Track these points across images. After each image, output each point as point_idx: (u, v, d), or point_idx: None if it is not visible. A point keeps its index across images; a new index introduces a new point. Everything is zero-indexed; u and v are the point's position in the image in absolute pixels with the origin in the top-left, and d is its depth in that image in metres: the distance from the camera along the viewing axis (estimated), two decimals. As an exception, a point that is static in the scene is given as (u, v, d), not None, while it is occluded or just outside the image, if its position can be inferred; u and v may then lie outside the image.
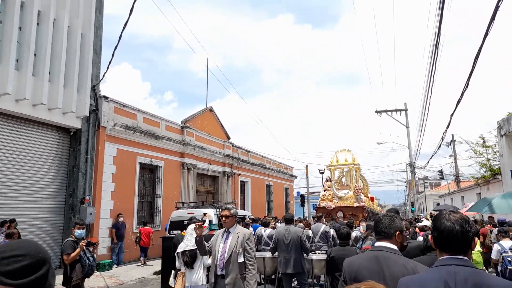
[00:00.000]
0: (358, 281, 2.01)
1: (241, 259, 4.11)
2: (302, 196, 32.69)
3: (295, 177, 35.63)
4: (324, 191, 16.55)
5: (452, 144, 32.11)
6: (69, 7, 11.55)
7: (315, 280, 8.14)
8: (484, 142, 14.24)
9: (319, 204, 15.98)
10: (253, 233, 10.62)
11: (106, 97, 12.81)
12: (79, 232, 6.00)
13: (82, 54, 11.87)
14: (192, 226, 5.50)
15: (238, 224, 4.46)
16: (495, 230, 8.61)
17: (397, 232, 2.31)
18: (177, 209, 12.54)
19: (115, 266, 12.47)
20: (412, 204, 36.83)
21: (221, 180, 20.83)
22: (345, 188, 16.43)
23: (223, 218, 4.30)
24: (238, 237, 4.20)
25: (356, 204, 14.99)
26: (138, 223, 14.02)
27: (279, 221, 13.13)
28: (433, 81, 10.26)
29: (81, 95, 11.72)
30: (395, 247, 2.28)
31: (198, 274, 5.41)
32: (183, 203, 12.66)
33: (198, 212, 11.48)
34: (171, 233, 12.16)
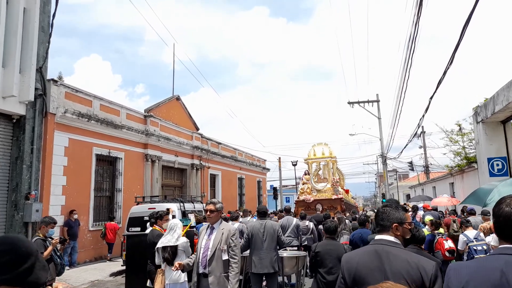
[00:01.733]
0: (358, 278, 2.09)
1: (225, 257, 3.94)
2: (275, 189, 32.10)
3: (268, 169, 34.99)
4: (303, 184, 16.74)
5: (422, 135, 32.46)
6: (8, -24, 10.14)
7: (285, 280, 7.38)
8: (460, 129, 13.98)
9: (298, 197, 16.17)
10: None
11: (55, 81, 11.48)
12: (52, 231, 5.79)
13: (25, 31, 10.49)
14: (174, 221, 5.37)
15: (223, 220, 4.30)
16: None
17: (394, 224, 2.17)
18: (137, 204, 11.44)
19: (67, 268, 11.28)
20: (384, 196, 37.11)
21: (190, 173, 19.78)
22: (323, 181, 16.56)
23: (208, 213, 4.13)
24: (222, 233, 4.01)
25: (334, 197, 15.19)
26: (94, 220, 12.82)
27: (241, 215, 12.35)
28: (409, 74, 9.78)
29: (24, 77, 10.35)
30: (396, 240, 2.15)
31: (179, 272, 4.96)
32: (143, 197, 11.58)
33: (160, 207, 10.49)
34: (130, 230, 11.12)
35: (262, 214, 6.34)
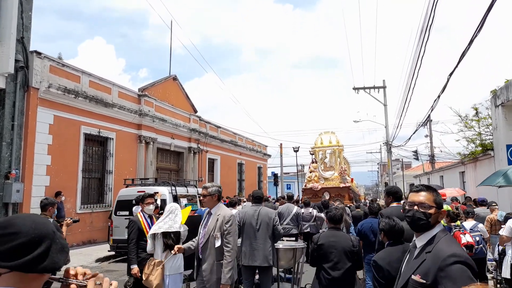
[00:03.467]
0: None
1: (218, 244, 3.75)
2: (275, 176, 31.38)
3: (269, 156, 34.25)
4: (310, 172, 16.69)
5: (428, 124, 31.50)
6: None
7: (281, 274, 6.65)
8: (476, 113, 12.98)
9: (305, 185, 16.16)
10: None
11: (39, 53, 10.63)
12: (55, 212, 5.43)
13: (4, -3, 9.62)
14: (175, 204, 4.87)
15: (222, 204, 4.04)
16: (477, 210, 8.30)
17: None
18: (126, 187, 10.80)
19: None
20: (386, 185, 36.40)
21: (186, 157, 19.04)
22: (329, 169, 16.52)
23: (201, 198, 4.06)
24: (217, 219, 3.82)
25: (342, 185, 15.17)
26: (82, 202, 12.12)
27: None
28: (421, 62, 8.91)
29: (3, 47, 9.53)
30: None
31: (179, 261, 4.61)
32: (132, 179, 10.86)
33: (150, 191, 9.77)
34: (118, 214, 10.46)
35: (257, 199, 5.54)
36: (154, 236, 4.48)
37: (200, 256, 3.89)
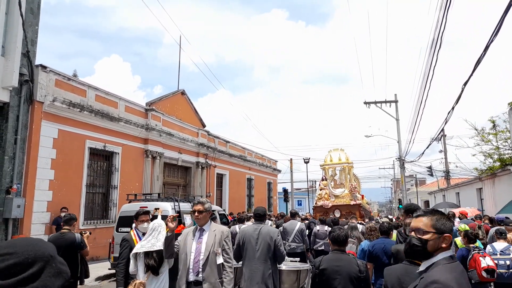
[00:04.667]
0: None
1: (219, 261, 3.59)
2: (285, 191, 30.79)
3: (279, 171, 33.78)
4: (320, 190, 16.70)
5: (442, 139, 30.73)
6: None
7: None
8: (494, 126, 12.36)
9: (316, 203, 16.17)
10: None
11: (44, 67, 10.61)
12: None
13: (11, 11, 9.67)
14: (158, 220, 4.49)
15: (212, 221, 3.94)
16: (492, 230, 7.92)
17: (447, 235, 1.84)
18: (129, 202, 10.48)
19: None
20: (400, 202, 35.40)
21: (194, 172, 18.78)
22: (339, 186, 16.48)
23: (195, 214, 3.76)
24: (215, 235, 3.67)
25: (352, 202, 15.11)
26: (85, 218, 11.89)
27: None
28: (433, 73, 8.58)
29: (8, 61, 9.54)
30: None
31: (163, 282, 4.24)
32: (135, 195, 10.58)
33: (154, 206, 9.48)
34: (119, 230, 10.16)
35: (258, 217, 5.12)
36: (136, 255, 4.15)
37: (197, 277, 3.56)
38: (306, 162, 26.78)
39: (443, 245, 1.82)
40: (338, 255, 3.83)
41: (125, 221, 10.00)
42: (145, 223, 5.00)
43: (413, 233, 1.90)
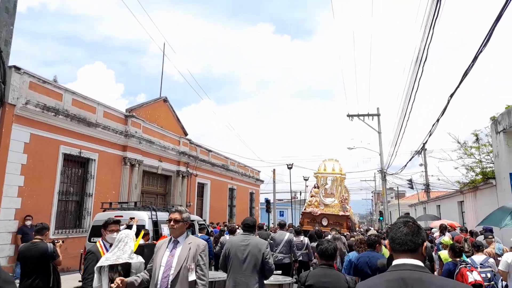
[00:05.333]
0: None
1: (192, 277, 3.26)
2: (267, 202, 30.49)
3: (262, 181, 33.49)
4: (311, 197, 16.74)
5: (423, 152, 31.19)
6: None
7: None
8: (477, 139, 12.45)
9: (304, 209, 16.14)
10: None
11: (18, 68, 10.13)
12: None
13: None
14: (125, 231, 4.19)
15: (189, 233, 3.66)
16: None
17: (424, 244, 1.80)
18: (103, 211, 10.01)
19: (17, 281, 9.76)
20: (381, 213, 35.56)
21: (174, 181, 18.31)
22: (329, 196, 16.61)
23: (171, 223, 3.42)
24: (190, 248, 3.35)
25: (341, 213, 15.15)
26: (57, 227, 11.29)
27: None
28: (418, 84, 8.59)
29: (-22, 60, 9.04)
30: (422, 264, 1.73)
31: None
32: (110, 203, 10.10)
33: (128, 215, 9.07)
34: (92, 240, 9.64)
35: (247, 227, 4.80)
36: (100, 269, 3.79)
37: None
38: (290, 168, 26.66)
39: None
40: (325, 271, 3.56)
41: (99, 230, 9.38)
42: (115, 233, 4.62)
43: None
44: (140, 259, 4.02)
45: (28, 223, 10.08)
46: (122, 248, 3.93)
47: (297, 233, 9.85)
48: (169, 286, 3.24)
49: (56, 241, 5.51)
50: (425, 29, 7.24)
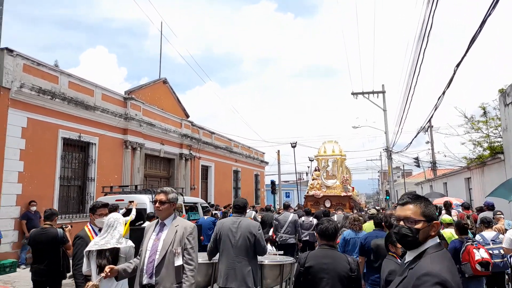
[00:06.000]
0: None
1: (178, 262, 3.09)
2: (273, 183, 30.39)
3: (267, 163, 33.37)
4: (313, 180, 17.06)
5: (429, 130, 30.73)
6: None
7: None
8: (484, 113, 12.01)
9: (307, 192, 16.44)
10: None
11: (10, 50, 9.86)
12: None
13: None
14: (113, 215, 4.00)
15: (177, 215, 3.41)
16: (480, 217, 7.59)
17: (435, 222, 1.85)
18: (104, 195, 9.93)
19: (23, 266, 9.81)
20: (387, 193, 35.40)
21: (178, 163, 18.18)
22: (331, 177, 16.87)
23: (157, 204, 3.27)
24: (176, 231, 3.18)
25: (343, 194, 15.41)
26: (60, 212, 11.19)
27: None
28: (423, 56, 8.18)
29: (-32, 42, 8.79)
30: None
31: (121, 285, 3.76)
32: (111, 187, 10.01)
33: (129, 199, 8.98)
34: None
35: (238, 208, 4.73)
36: (88, 254, 3.64)
37: (151, 280, 3.10)
38: (293, 147, 26.45)
39: (432, 233, 1.79)
40: (326, 251, 3.32)
41: (100, 214, 9.47)
42: (104, 217, 4.46)
43: (402, 223, 1.82)
44: (129, 243, 3.88)
45: (34, 208, 10.05)
46: (111, 232, 3.83)
47: (307, 213, 10.08)
48: (153, 271, 3.10)
49: (64, 226, 5.51)
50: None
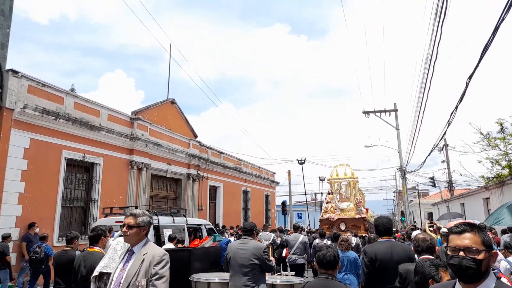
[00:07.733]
0: None
1: None
2: (283, 204, 29.82)
3: (277, 183, 32.84)
4: (327, 203, 17.33)
5: (444, 148, 29.90)
6: None
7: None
8: (502, 128, 11.43)
9: (322, 216, 16.72)
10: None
11: (15, 72, 9.92)
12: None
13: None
14: (118, 239, 3.92)
15: (150, 241, 2.98)
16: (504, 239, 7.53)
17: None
18: (105, 217, 9.69)
19: (17, 289, 9.52)
20: (403, 214, 34.26)
21: (185, 184, 17.92)
22: (345, 200, 17.10)
23: (124, 229, 2.87)
24: (143, 260, 2.77)
25: (357, 216, 15.64)
26: (60, 234, 11.01)
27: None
28: (433, 70, 7.87)
29: (-27, 64, 8.84)
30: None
31: None
32: (111, 208, 9.75)
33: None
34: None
35: (246, 231, 5.00)
36: (95, 279, 3.48)
37: None
38: (301, 163, 25.93)
39: (492, 263, 1.69)
40: (324, 281, 3.06)
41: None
42: (110, 240, 4.51)
43: (462, 253, 1.67)
44: None
45: (37, 230, 9.88)
46: (112, 256, 3.68)
47: (321, 236, 10.12)
48: None
49: (84, 249, 5.44)
50: (437, 8, 6.55)
